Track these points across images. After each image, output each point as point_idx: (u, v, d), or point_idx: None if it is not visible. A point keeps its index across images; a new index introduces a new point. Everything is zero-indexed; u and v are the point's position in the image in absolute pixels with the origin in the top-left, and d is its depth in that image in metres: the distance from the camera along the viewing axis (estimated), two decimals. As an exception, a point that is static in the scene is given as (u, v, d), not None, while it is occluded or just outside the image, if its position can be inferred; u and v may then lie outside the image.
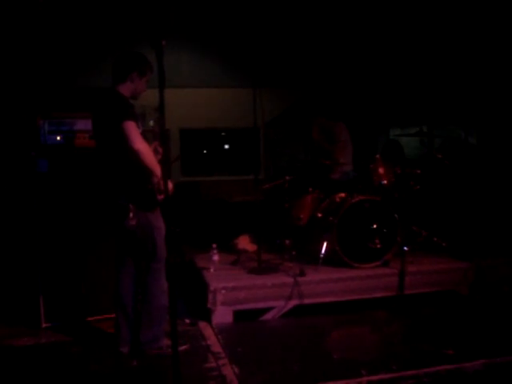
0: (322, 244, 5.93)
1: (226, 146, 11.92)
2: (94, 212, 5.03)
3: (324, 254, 5.90)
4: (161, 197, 4.15)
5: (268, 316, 5.33)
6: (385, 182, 6.21)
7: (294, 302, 5.36)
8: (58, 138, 5.05)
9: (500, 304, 5.62)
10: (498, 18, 7.88)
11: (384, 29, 9.61)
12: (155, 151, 4.33)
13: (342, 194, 6.23)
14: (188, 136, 10.63)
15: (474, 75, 8.39)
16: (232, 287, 5.22)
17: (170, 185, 3.89)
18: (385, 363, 4.18)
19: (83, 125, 5.06)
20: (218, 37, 10.02)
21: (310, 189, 6.57)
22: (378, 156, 6.32)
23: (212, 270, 5.70)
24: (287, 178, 6.39)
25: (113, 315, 4.52)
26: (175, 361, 2.95)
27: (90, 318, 5.15)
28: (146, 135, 4.38)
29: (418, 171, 6.52)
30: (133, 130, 3.93)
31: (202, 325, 5.14)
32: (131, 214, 4.04)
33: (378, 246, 5.83)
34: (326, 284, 5.50)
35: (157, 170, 4.04)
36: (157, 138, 4.41)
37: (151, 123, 4.46)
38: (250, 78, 6.27)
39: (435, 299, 5.71)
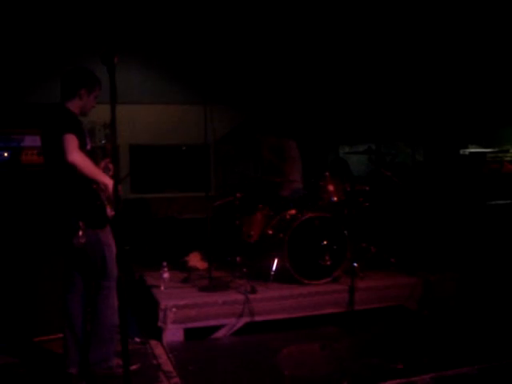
0: (273, 261, 5.96)
1: (177, 163, 11.86)
2: (43, 229, 4.93)
3: (275, 271, 5.94)
4: (111, 213, 4.10)
5: (219, 334, 5.31)
6: (335, 198, 6.28)
7: (245, 320, 5.35)
8: (6, 154, 4.95)
9: (447, 318, 5.73)
10: (449, 43, 8.11)
11: (331, 48, 9.76)
12: (106, 168, 4.30)
13: (292, 211, 6.27)
14: (138, 152, 10.53)
15: (420, 93, 8.59)
16: (183, 305, 5.18)
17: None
18: (336, 379, 4.21)
19: (31, 141, 4.98)
20: (168, 53, 10.00)
21: (261, 206, 6.59)
22: (327, 173, 6.38)
23: (162, 287, 5.65)
24: (238, 195, 6.41)
25: (62, 335, 4.43)
26: (126, 381, 2.91)
27: (38, 338, 5.02)
28: (96, 152, 4.33)
29: (367, 188, 6.61)
30: (70, 143, 3.85)
31: (153, 343, 5.09)
32: (80, 232, 3.97)
33: (328, 262, 5.88)
34: (276, 301, 5.51)
35: (100, 178, 3.99)
36: (108, 154, 4.37)
37: (103, 141, 4.41)
38: (200, 95, 6.28)
39: (384, 314, 5.79)
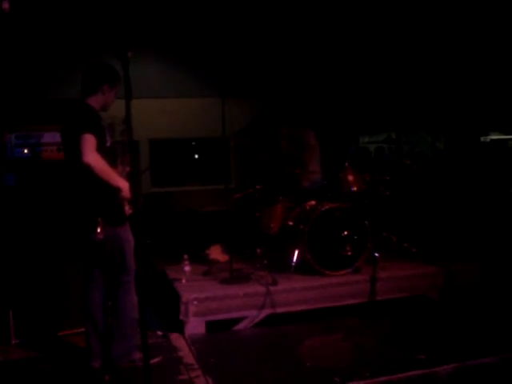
0: (294, 252, 5.94)
1: (197, 156, 11.89)
2: (63, 225, 4.97)
3: (295, 263, 5.93)
4: (129, 211, 4.12)
5: (241, 326, 5.32)
6: (354, 189, 6.26)
7: (266, 311, 5.35)
8: (26, 151, 4.99)
9: (469, 308, 5.68)
10: (470, 29, 8.01)
11: (352, 38, 9.69)
12: (124, 163, 4.31)
13: (313, 202, 6.25)
14: (158, 146, 10.57)
15: (440, 81, 8.50)
16: (204, 298, 5.20)
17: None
18: (358, 370, 4.20)
19: (51, 137, 5.01)
20: (186, 47, 10.00)
21: (281, 197, 6.58)
22: (346, 164, 6.36)
23: (184, 281, 5.67)
24: (258, 187, 6.40)
25: (84, 329, 4.47)
26: (147, 374, 2.93)
27: (61, 333, 5.07)
28: (116, 147, 4.35)
29: (387, 178, 6.57)
30: (87, 143, 3.86)
31: (175, 336, 5.11)
32: (99, 228, 3.99)
33: (349, 253, 5.86)
34: (298, 292, 5.50)
35: (115, 181, 3.99)
36: (126, 149, 4.38)
37: (121, 136, 4.42)
38: (218, 88, 6.27)
39: (406, 304, 5.75)
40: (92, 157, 3.86)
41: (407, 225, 6.95)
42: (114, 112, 4.54)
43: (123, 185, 4.00)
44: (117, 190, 4.02)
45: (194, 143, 11.71)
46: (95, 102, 4.19)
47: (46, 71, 8.97)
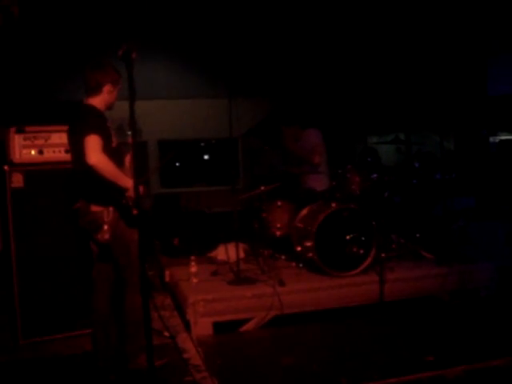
0: (300, 253, 5.93)
1: (206, 157, 11.92)
2: (71, 225, 4.97)
3: (303, 263, 5.91)
4: (135, 211, 4.11)
5: (248, 327, 5.30)
6: (362, 189, 6.23)
7: (273, 313, 5.33)
8: (33, 152, 5.00)
9: (478, 309, 5.65)
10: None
11: (359, 37, 9.67)
12: (130, 163, 4.31)
13: (320, 203, 6.23)
14: (166, 148, 10.60)
15: (448, 82, 8.47)
16: (211, 299, 5.19)
17: (141, 188, 3.85)
18: (366, 372, 4.18)
19: (58, 138, 5.02)
20: (193, 48, 10.03)
21: (288, 198, 6.57)
22: (349, 166, 6.32)
23: (191, 281, 5.66)
24: (263, 187, 6.39)
25: (91, 330, 4.48)
26: (151, 375, 2.92)
27: (68, 334, 5.08)
28: (123, 148, 4.35)
29: (394, 178, 6.54)
30: (92, 144, 3.87)
31: (182, 337, 5.10)
32: (105, 227, 4.00)
33: (357, 254, 5.83)
34: (305, 293, 5.48)
35: (121, 181, 4.00)
36: (132, 149, 4.38)
37: (129, 133, 4.41)
38: (226, 89, 6.27)
39: (415, 306, 5.72)
40: (97, 158, 3.87)
41: (416, 226, 6.91)
42: (123, 113, 4.55)
43: (129, 184, 4.00)
44: (123, 190, 4.02)
45: (202, 144, 11.74)
46: (99, 102, 4.20)
47: (54, 73, 9.02)
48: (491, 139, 7.79)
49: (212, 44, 9.95)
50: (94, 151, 3.86)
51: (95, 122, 4.01)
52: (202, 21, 9.59)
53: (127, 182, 4.01)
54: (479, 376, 4.15)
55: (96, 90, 4.19)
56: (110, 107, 4.31)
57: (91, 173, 3.92)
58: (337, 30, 9.65)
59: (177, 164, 11.46)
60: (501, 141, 7.49)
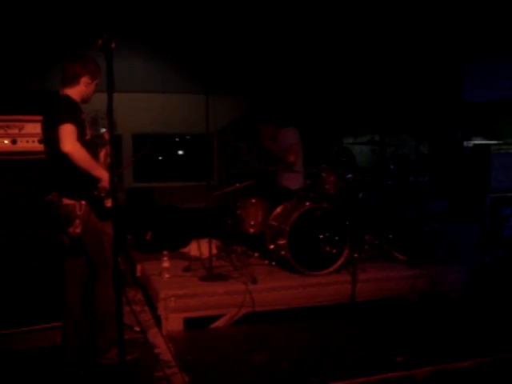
0: (274, 251, 5.93)
1: (180, 152, 11.86)
2: (43, 217, 4.91)
3: (276, 262, 5.91)
4: (108, 203, 4.08)
5: (219, 323, 5.29)
6: (337, 189, 6.25)
7: (245, 310, 5.33)
8: (6, 141, 4.92)
9: (448, 311, 5.70)
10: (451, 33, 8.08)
11: (337, 39, 9.70)
12: (106, 156, 4.27)
13: (294, 202, 6.24)
14: (141, 141, 10.51)
15: (423, 85, 8.55)
16: (183, 294, 5.17)
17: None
18: (335, 371, 4.19)
19: (32, 128, 4.94)
20: (172, 42, 9.98)
21: (262, 196, 6.57)
22: (324, 165, 6.34)
23: (163, 277, 5.63)
24: (238, 184, 6.38)
25: (60, 323, 4.43)
26: (122, 370, 2.90)
27: (37, 326, 5.00)
28: (97, 141, 4.30)
29: (369, 179, 6.58)
30: (67, 134, 3.83)
31: (152, 333, 5.07)
32: (77, 221, 3.96)
33: (330, 253, 5.85)
34: (277, 292, 5.48)
35: (96, 171, 3.97)
36: (107, 143, 4.34)
37: (103, 130, 4.37)
38: (204, 84, 6.24)
39: (386, 307, 5.76)
40: (72, 145, 3.83)
41: (389, 227, 6.96)
42: (97, 105, 4.50)
43: (103, 175, 3.97)
44: (97, 182, 3.99)
45: (177, 139, 11.69)
46: (76, 93, 4.15)
47: (28, 62, 8.90)
48: (465, 144, 7.88)
49: (191, 39, 9.90)
50: (69, 139, 3.82)
51: (71, 111, 3.97)
52: (181, 15, 9.53)
53: (101, 173, 3.98)
54: (447, 377, 4.19)
55: (73, 80, 4.14)
56: (86, 100, 4.26)
57: (65, 163, 3.88)
58: (315, 31, 9.67)
59: (151, 158, 11.38)
60: (475, 145, 7.58)
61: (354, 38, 9.54)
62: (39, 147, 4.76)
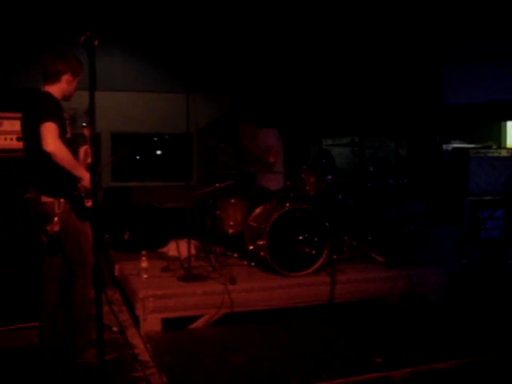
0: (253, 252, 5.92)
1: (158, 152, 11.81)
2: (21, 215, 4.84)
3: (255, 262, 5.90)
4: (88, 203, 4.04)
5: (198, 324, 5.27)
6: (316, 190, 6.25)
7: (224, 311, 5.31)
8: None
9: (426, 313, 5.74)
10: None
11: (317, 41, 9.73)
12: (86, 155, 4.24)
13: (274, 202, 6.24)
14: (120, 140, 10.44)
15: (403, 89, 8.60)
16: (161, 295, 5.13)
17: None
18: (315, 372, 4.19)
19: (10, 125, 4.89)
20: (152, 41, 9.93)
21: (242, 196, 6.56)
22: (304, 166, 6.35)
23: (141, 277, 5.59)
24: (218, 185, 6.36)
25: (37, 323, 4.38)
26: (101, 370, 2.87)
27: (13, 326, 4.94)
28: (77, 139, 4.27)
29: (349, 181, 6.60)
30: (49, 132, 3.80)
31: (131, 333, 5.04)
32: (55, 219, 3.92)
33: (309, 254, 5.85)
34: (256, 292, 5.47)
35: (77, 171, 3.95)
36: (87, 141, 4.30)
37: (83, 128, 4.33)
38: (184, 84, 6.21)
39: (365, 308, 5.78)
40: (55, 145, 3.80)
41: (368, 229, 6.99)
42: (76, 104, 4.46)
43: (84, 175, 3.94)
44: (77, 181, 3.95)
45: (156, 139, 11.63)
46: (56, 90, 4.11)
47: (7, 58, 8.79)
48: (444, 147, 7.95)
49: (172, 38, 9.86)
50: (52, 138, 3.79)
51: (52, 109, 3.93)
52: (162, 13, 9.49)
53: (82, 173, 3.95)
54: (425, 378, 4.21)
55: (54, 77, 4.10)
56: (67, 98, 4.22)
57: (44, 161, 3.84)
58: (296, 32, 9.68)
59: (129, 157, 11.32)
60: (453, 148, 7.64)
61: (334, 40, 9.57)
62: (17, 145, 4.72)
